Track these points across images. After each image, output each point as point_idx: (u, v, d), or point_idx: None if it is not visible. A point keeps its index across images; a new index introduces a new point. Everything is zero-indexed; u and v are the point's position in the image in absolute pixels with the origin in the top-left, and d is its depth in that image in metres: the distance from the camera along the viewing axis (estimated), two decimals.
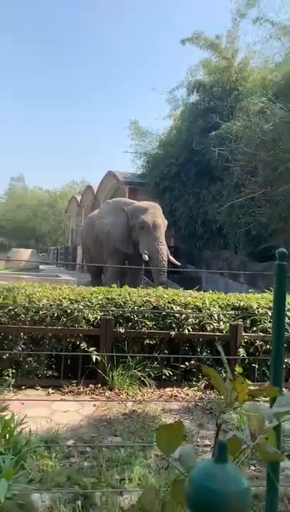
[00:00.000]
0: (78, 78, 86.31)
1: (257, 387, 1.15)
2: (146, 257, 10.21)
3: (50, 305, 4.70)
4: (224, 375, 4.51)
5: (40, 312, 4.64)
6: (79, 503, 2.54)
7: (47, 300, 4.75)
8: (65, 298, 4.83)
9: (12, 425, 2.61)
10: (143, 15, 77.51)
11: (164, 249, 10.42)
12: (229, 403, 1.11)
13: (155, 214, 10.73)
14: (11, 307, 4.57)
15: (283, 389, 3.30)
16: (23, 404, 4.01)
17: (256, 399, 1.18)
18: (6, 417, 2.64)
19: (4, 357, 4.44)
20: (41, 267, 23.89)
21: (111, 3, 76.07)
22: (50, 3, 73.54)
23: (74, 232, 27.73)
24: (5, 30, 75.24)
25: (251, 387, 1.20)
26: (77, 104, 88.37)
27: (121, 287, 5.54)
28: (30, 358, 4.55)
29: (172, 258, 10.91)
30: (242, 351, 4.83)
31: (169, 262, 10.68)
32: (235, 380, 1.07)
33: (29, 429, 2.76)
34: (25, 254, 23.44)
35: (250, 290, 5.84)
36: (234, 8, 14.25)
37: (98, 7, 76.38)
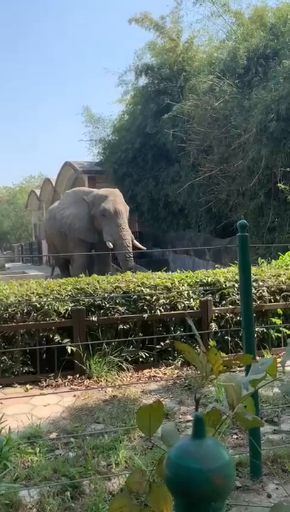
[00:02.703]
0: (24, 66, 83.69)
1: (232, 359, 1.16)
2: (111, 245, 10.20)
3: (19, 301, 4.62)
4: (199, 350, 4.56)
5: (10, 309, 4.56)
6: (68, 493, 2.54)
7: (15, 297, 4.66)
8: (33, 293, 4.75)
9: None
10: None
11: (128, 235, 10.42)
12: (205, 376, 1.10)
13: (115, 201, 10.68)
14: None
15: (257, 357, 3.39)
16: (1, 403, 3.96)
17: (233, 370, 1.18)
18: None
19: None
20: (7, 265, 23.38)
21: None
22: None
23: (37, 226, 27.28)
24: None
25: (226, 358, 1.20)
26: (25, 94, 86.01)
27: (89, 276, 5.51)
28: (4, 357, 4.47)
29: (137, 243, 10.95)
30: (213, 325, 4.92)
31: (134, 247, 10.71)
32: (208, 352, 1.07)
33: (9, 427, 2.72)
34: None
35: (216, 266, 5.94)
36: None
37: None
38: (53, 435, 3.37)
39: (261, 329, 5.12)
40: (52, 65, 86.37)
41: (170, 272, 5.73)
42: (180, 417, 3.67)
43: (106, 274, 6.05)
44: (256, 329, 4.99)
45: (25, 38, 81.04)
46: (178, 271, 5.69)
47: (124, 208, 10.77)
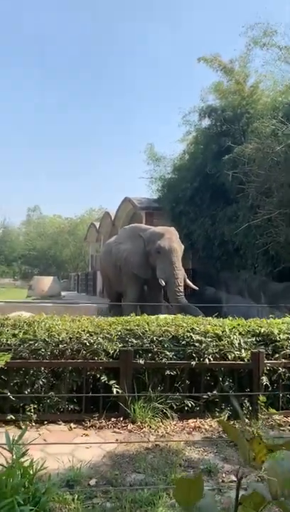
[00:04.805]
0: (92, 106, 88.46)
1: (279, 444, 1.10)
2: (163, 282, 10.26)
3: (70, 338, 4.71)
4: (248, 404, 4.34)
5: (60, 345, 4.65)
6: None
7: (67, 333, 4.76)
8: (84, 330, 4.83)
9: (31, 472, 2.55)
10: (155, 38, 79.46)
11: (180, 274, 10.45)
12: (246, 461, 1.06)
13: (171, 239, 10.81)
14: (31, 342, 4.59)
15: None
16: (45, 440, 3.99)
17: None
18: (25, 463, 2.58)
19: (26, 392, 4.44)
20: (63, 293, 24.05)
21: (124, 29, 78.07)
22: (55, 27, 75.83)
23: (94, 258, 27.98)
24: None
25: (276, 417, 1.13)
26: (91, 130, 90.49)
27: (141, 313, 5.53)
28: (52, 393, 4.54)
29: (189, 282, 10.93)
30: (265, 379, 4.73)
31: (186, 286, 10.68)
32: (252, 442, 1.03)
33: (49, 475, 2.70)
34: (47, 281, 23.63)
35: (271, 315, 5.74)
36: (247, 34, 14.39)
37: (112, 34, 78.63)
38: (93, 481, 3.34)
39: None
40: (119, 103, 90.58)
41: (222, 315, 5.62)
42: (223, 476, 3.51)
43: (157, 311, 6.05)
44: None
45: (95, 80, 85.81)
46: (230, 318, 5.57)
47: (178, 247, 10.85)
